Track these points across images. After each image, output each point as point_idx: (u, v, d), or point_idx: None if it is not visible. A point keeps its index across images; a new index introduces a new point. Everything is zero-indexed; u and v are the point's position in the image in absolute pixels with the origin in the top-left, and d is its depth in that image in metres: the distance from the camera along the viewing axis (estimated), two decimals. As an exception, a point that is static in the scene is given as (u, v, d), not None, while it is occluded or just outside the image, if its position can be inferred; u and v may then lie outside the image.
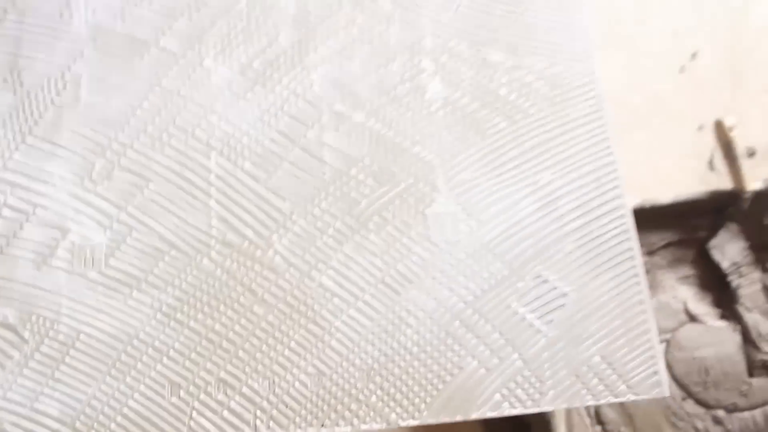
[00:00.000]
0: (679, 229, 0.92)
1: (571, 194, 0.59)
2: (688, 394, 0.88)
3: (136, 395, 0.54)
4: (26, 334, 0.55)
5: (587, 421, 0.85)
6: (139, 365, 0.55)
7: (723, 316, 0.91)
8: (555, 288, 0.57)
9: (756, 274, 0.91)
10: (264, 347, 0.55)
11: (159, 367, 0.55)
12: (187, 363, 0.55)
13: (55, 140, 0.59)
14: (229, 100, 0.60)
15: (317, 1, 0.63)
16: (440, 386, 0.55)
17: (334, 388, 0.55)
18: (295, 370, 0.55)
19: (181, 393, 0.55)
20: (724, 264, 0.90)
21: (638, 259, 0.58)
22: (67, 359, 0.55)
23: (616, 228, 0.58)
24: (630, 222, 0.58)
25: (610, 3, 1.02)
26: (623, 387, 0.56)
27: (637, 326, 0.57)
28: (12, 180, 0.58)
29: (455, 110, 0.61)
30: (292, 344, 0.55)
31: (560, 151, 0.60)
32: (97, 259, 0.57)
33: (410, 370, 0.55)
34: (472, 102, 0.61)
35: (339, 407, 0.55)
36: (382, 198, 0.58)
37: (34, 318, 0.55)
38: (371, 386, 0.55)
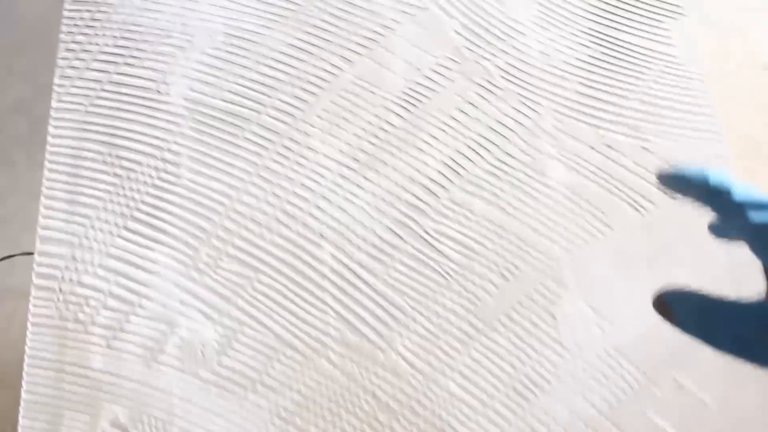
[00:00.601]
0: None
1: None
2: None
3: None
4: (138, 436, 0.53)
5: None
6: (263, 477, 0.53)
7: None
8: (695, 396, 0.54)
9: None
10: (391, 458, 0.53)
11: (284, 480, 0.53)
12: (314, 477, 0.53)
13: (157, 225, 0.57)
14: (340, 186, 0.58)
15: (427, 76, 0.60)
16: (576, 501, 0.53)
17: (468, 507, 0.53)
18: (429, 489, 0.53)
19: (307, 506, 0.53)
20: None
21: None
22: (184, 465, 0.53)
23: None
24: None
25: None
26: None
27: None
28: (116, 267, 0.56)
29: (579, 197, 0.58)
30: (422, 456, 0.53)
31: (695, 245, 0.57)
32: (209, 356, 0.55)
33: (547, 487, 0.53)
34: (596, 188, 0.58)
35: None
36: (509, 296, 0.55)
37: (145, 418, 0.53)
38: (509, 506, 0.53)
